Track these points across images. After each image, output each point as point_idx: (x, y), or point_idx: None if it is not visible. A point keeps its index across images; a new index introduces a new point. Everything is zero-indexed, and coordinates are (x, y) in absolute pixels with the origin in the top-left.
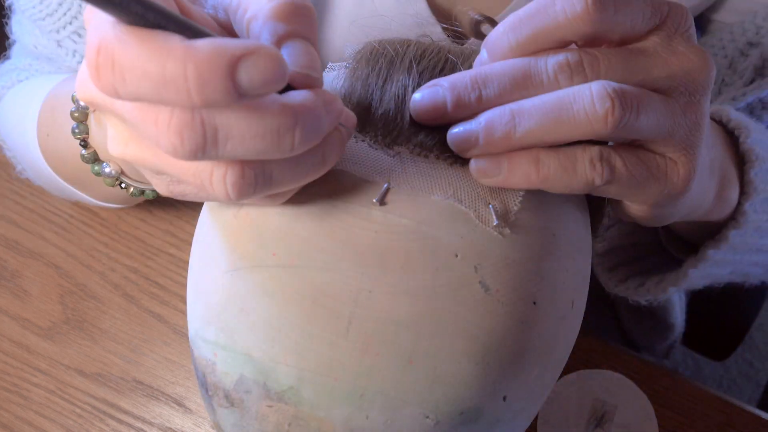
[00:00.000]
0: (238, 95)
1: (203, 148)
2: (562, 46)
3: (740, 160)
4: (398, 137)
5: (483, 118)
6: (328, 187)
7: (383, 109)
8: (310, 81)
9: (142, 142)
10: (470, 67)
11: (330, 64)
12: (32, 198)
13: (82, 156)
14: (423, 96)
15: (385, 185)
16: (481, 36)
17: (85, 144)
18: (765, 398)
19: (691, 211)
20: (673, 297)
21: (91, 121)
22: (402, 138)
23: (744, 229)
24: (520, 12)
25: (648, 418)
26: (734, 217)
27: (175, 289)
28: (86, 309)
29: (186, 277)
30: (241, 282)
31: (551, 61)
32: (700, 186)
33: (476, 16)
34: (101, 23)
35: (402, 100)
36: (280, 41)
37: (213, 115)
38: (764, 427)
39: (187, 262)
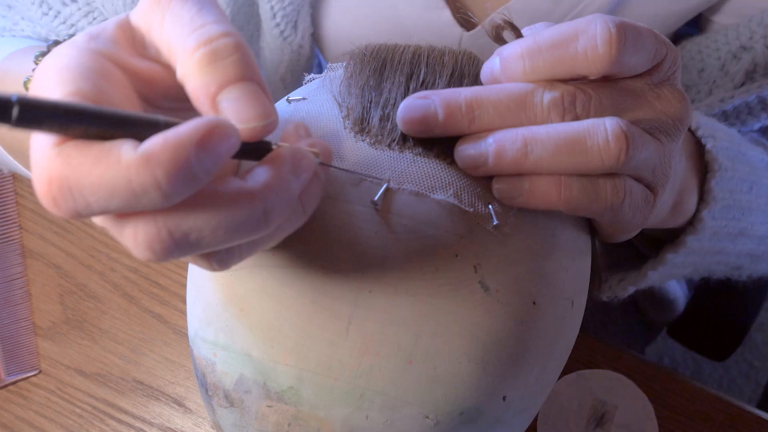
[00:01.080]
0: (208, 177)
1: (177, 253)
2: (572, 79)
3: (704, 167)
4: (398, 137)
5: (492, 140)
6: (328, 187)
7: (383, 109)
8: (259, 133)
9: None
10: (471, 72)
11: (330, 64)
12: (32, 198)
13: None
14: (413, 106)
15: (385, 185)
16: (500, 41)
17: None
18: (765, 398)
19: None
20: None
21: None
22: (402, 138)
23: (701, 235)
24: (541, 38)
25: (648, 418)
26: (692, 223)
27: (175, 289)
28: (86, 309)
29: (186, 277)
30: (241, 282)
31: (547, 97)
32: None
33: (499, 21)
34: (41, 149)
35: (401, 101)
36: (215, 98)
37: (179, 222)
38: (764, 427)
39: (187, 262)
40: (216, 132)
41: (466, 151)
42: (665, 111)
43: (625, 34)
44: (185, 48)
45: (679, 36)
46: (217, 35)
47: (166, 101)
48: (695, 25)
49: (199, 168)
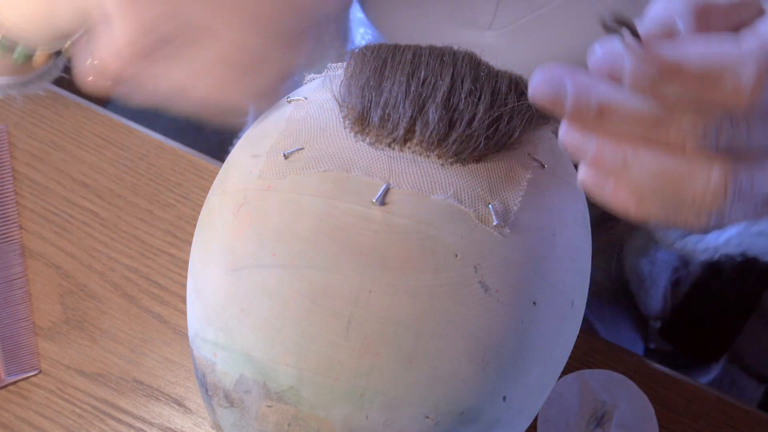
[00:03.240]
0: None
1: None
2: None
3: None
4: (398, 137)
5: (593, 147)
6: (328, 187)
7: (383, 109)
8: None
9: None
10: (471, 72)
11: (329, 64)
12: (32, 198)
13: None
14: (548, 80)
15: (385, 185)
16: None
17: None
18: (765, 398)
19: None
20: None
21: None
22: (402, 138)
23: None
24: (685, 55)
25: (648, 418)
26: None
27: (175, 289)
28: (86, 309)
29: (186, 277)
30: (241, 282)
31: (686, 123)
32: None
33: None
34: None
35: (402, 101)
36: None
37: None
38: (764, 427)
39: (187, 262)
40: None
41: (571, 138)
42: None
43: None
44: None
45: None
46: None
47: None
48: None
49: None
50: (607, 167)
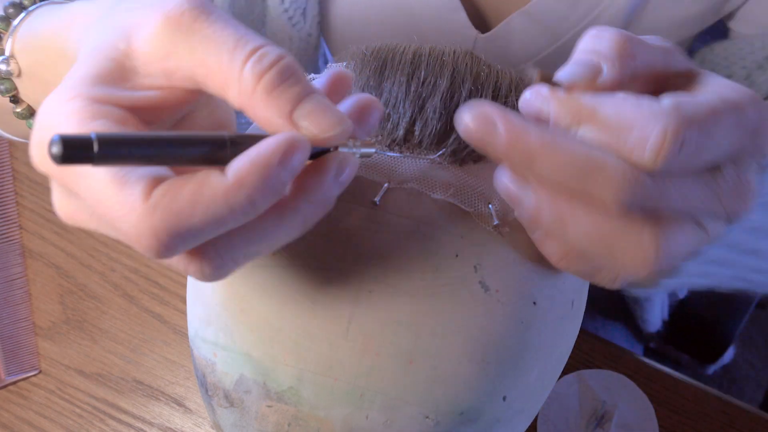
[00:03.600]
0: (285, 188)
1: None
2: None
3: None
4: (398, 137)
5: (530, 201)
6: None
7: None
8: (339, 138)
9: (102, 222)
10: (471, 72)
11: (330, 64)
12: (32, 198)
13: (16, 113)
14: (475, 123)
15: (386, 185)
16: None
17: (15, 100)
18: (766, 399)
19: None
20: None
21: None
22: (402, 138)
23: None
24: (600, 106)
25: (648, 418)
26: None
27: (175, 289)
28: (86, 309)
29: (186, 277)
30: (241, 282)
31: (607, 175)
32: None
33: (536, 75)
34: (130, 209)
35: (402, 101)
36: (291, 117)
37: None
38: (764, 427)
39: None
40: (294, 146)
41: (507, 186)
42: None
43: (684, 140)
44: (245, 77)
45: (693, 50)
46: (276, 57)
47: (167, 122)
48: (718, 33)
49: (279, 181)
50: (543, 224)
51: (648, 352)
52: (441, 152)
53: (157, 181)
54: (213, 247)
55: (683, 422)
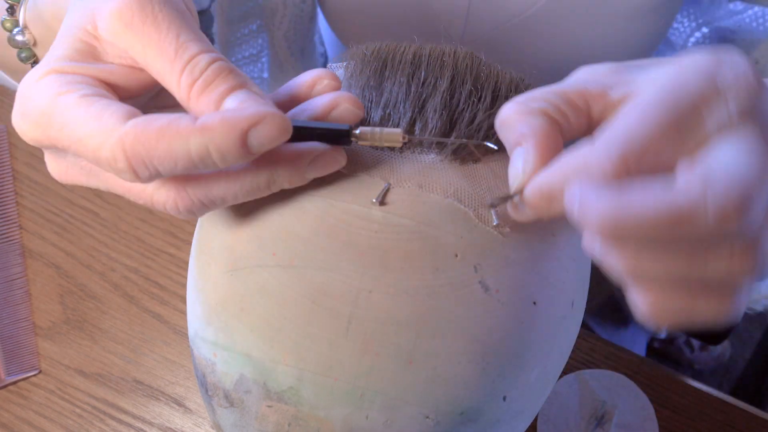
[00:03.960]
0: (250, 155)
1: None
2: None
3: None
4: None
5: (627, 263)
6: (328, 186)
7: (384, 109)
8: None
9: (91, 174)
10: (471, 73)
11: (330, 64)
12: (32, 198)
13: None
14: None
15: (385, 185)
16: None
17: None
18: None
19: None
20: None
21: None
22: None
23: None
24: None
25: (648, 418)
26: None
27: (175, 289)
28: (86, 309)
29: (186, 277)
30: (241, 282)
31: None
32: None
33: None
34: (110, 124)
35: (402, 101)
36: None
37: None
38: (764, 427)
39: (187, 262)
40: (266, 121)
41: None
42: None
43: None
44: (182, 88)
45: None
46: (206, 64)
47: (143, 97)
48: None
49: (242, 146)
50: (641, 277)
51: (650, 352)
52: (441, 152)
53: (131, 114)
54: (182, 186)
55: (683, 422)
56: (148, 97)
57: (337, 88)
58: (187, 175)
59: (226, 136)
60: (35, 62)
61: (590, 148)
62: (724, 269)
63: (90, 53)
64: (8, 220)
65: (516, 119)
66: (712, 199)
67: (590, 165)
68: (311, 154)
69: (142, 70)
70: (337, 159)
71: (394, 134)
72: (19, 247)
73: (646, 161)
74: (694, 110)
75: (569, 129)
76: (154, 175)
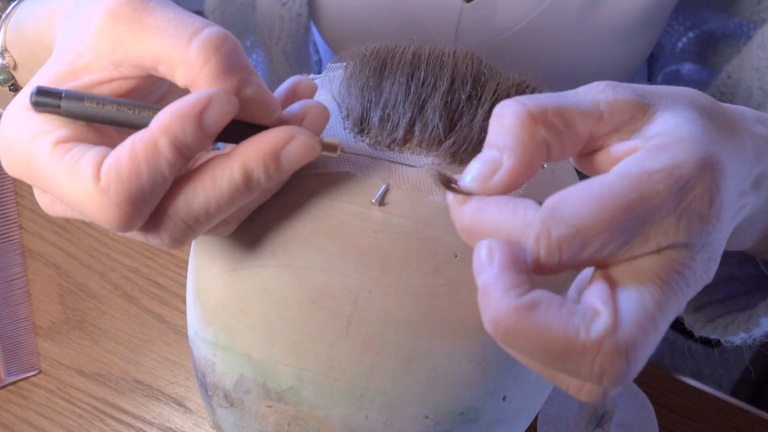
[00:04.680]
0: (205, 136)
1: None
2: None
3: None
4: (398, 138)
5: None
6: (328, 187)
7: (383, 109)
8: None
9: (75, 211)
10: (471, 73)
11: (329, 64)
12: (32, 198)
13: None
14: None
15: (385, 185)
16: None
17: (15, 88)
18: (759, 392)
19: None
20: None
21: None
22: (402, 138)
23: None
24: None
25: (648, 418)
26: None
27: (175, 289)
28: (86, 309)
29: (186, 277)
30: (241, 282)
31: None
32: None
33: (435, 174)
34: (85, 179)
35: (401, 101)
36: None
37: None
38: (764, 427)
39: (187, 262)
40: (213, 99)
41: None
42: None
43: (560, 245)
44: (189, 58)
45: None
46: (221, 39)
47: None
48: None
49: (200, 128)
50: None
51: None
52: (440, 153)
53: (101, 160)
54: (162, 212)
55: (683, 422)
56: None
57: (313, 90)
58: (165, 194)
59: (183, 124)
60: (13, 85)
61: (533, 215)
62: (572, 391)
63: (71, 76)
64: (8, 220)
65: (512, 124)
66: (602, 356)
67: (525, 238)
68: (280, 142)
69: (125, 80)
70: (312, 146)
71: (332, 143)
72: (19, 247)
73: (581, 256)
74: (648, 215)
75: (560, 153)
76: (150, 206)
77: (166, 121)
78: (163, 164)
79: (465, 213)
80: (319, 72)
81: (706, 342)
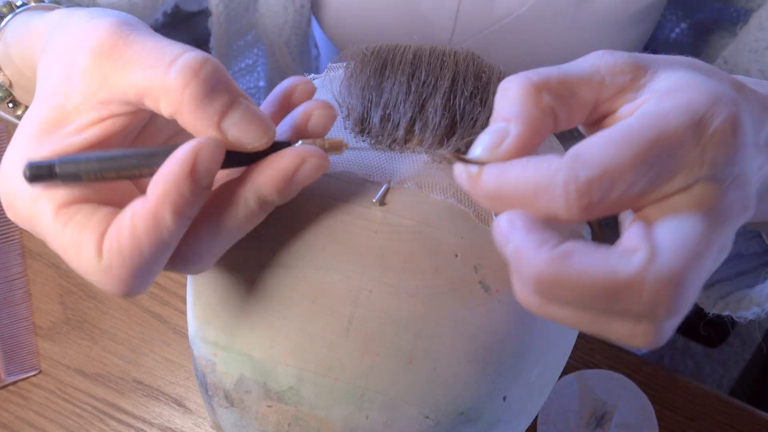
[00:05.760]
0: (202, 188)
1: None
2: None
3: None
4: (399, 138)
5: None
6: (327, 187)
7: (384, 109)
8: (265, 145)
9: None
10: (471, 73)
11: (330, 64)
12: None
13: (18, 117)
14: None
15: (385, 185)
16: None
17: (15, 103)
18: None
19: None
20: None
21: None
22: (402, 138)
23: None
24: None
25: (648, 418)
26: None
27: (175, 289)
28: (86, 309)
29: (186, 277)
30: (241, 282)
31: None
32: None
33: (447, 155)
34: (89, 252)
35: (402, 101)
36: (220, 126)
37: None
38: (764, 427)
39: None
40: (200, 154)
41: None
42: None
43: (591, 190)
44: (170, 86)
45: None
46: (199, 63)
47: (123, 144)
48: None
49: (197, 186)
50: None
51: (650, 351)
52: (442, 151)
53: (104, 231)
54: (187, 250)
55: (683, 422)
56: (131, 139)
57: (312, 92)
58: (185, 236)
59: (179, 188)
60: (12, 101)
61: (558, 163)
62: (628, 337)
63: (62, 119)
64: (8, 220)
65: (516, 95)
66: (649, 288)
67: (553, 186)
68: (292, 167)
69: (117, 118)
70: (323, 165)
71: (336, 142)
72: (19, 247)
73: (610, 196)
74: (671, 151)
75: (567, 121)
76: (156, 271)
77: (160, 190)
78: (165, 234)
79: (487, 179)
80: (318, 67)
81: (707, 342)
